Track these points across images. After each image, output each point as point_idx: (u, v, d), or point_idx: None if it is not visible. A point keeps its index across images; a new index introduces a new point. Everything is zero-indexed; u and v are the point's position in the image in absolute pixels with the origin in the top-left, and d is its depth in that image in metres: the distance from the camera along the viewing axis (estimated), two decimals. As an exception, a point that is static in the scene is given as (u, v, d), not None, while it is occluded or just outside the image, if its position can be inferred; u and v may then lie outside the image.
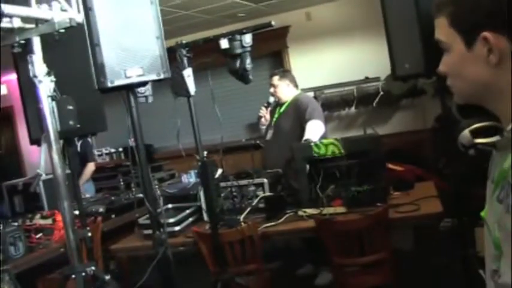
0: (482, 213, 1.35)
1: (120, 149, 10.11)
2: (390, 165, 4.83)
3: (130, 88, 3.28)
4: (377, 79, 8.57)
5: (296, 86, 5.81)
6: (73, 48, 3.76)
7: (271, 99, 5.68)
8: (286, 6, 8.71)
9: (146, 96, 3.55)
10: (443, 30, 1.29)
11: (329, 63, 9.00)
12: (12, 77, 9.66)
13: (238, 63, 3.80)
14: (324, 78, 8.89)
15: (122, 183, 7.78)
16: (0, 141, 11.44)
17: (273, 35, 8.28)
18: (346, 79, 8.77)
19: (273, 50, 9.29)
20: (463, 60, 1.26)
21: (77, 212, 4.26)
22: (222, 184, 4.71)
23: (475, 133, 1.34)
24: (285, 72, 6.01)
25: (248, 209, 4.56)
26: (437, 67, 1.36)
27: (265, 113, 5.72)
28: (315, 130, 5.23)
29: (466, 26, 1.23)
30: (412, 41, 3.52)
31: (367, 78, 8.69)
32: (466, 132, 1.34)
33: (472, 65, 1.25)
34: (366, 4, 8.18)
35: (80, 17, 3.14)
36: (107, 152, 10.25)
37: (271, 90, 5.67)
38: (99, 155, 10.21)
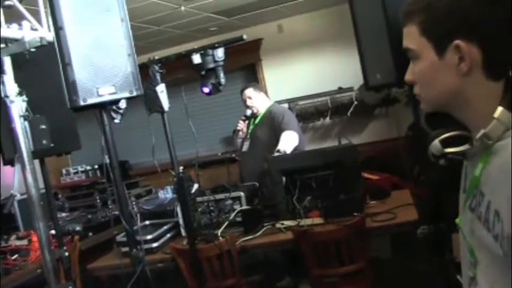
0: (457, 220, 1.37)
1: (96, 166, 10.03)
2: (366, 174, 4.86)
3: (103, 106, 3.27)
4: (350, 89, 8.62)
5: (268, 97, 5.86)
6: (44, 67, 3.74)
7: (249, 112, 5.70)
8: (258, 19, 8.73)
9: (122, 114, 3.53)
10: (413, 39, 1.29)
11: (302, 74, 9.03)
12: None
13: (212, 78, 3.81)
14: (298, 90, 8.92)
15: (98, 201, 7.70)
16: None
17: (246, 48, 8.30)
18: (320, 90, 8.80)
19: (246, 63, 9.29)
20: (434, 68, 1.27)
21: (53, 232, 4.23)
22: (199, 199, 4.70)
23: (445, 143, 1.35)
24: (256, 84, 6.06)
25: (226, 223, 4.55)
26: (408, 76, 1.37)
27: (243, 126, 5.73)
28: (288, 141, 5.24)
29: (438, 34, 1.24)
30: (382, 51, 3.54)
31: (340, 88, 8.73)
32: (435, 142, 1.35)
33: (442, 73, 1.26)
34: (337, 15, 8.24)
35: (50, 36, 3.12)
36: (83, 169, 10.16)
37: (249, 102, 5.69)
38: (75, 173, 10.13)
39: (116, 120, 3.55)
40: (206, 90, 3.94)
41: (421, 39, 1.27)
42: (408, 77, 1.35)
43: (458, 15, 1.19)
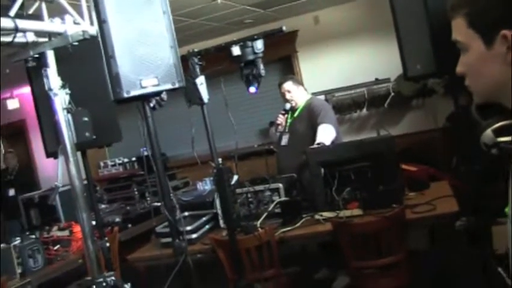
0: (507, 209, 1.36)
1: (134, 159, 10.14)
2: (404, 166, 4.82)
3: (146, 98, 3.30)
4: (387, 80, 8.56)
5: (306, 90, 5.85)
6: (86, 60, 3.80)
7: (288, 106, 5.66)
8: (293, 11, 8.72)
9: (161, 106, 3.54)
10: (461, 31, 1.29)
11: (338, 66, 9.01)
12: (24, 90, 9.76)
13: (251, 70, 3.82)
14: (334, 81, 8.90)
15: (136, 193, 7.79)
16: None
17: (282, 40, 8.30)
18: (356, 81, 8.77)
19: (282, 55, 9.27)
20: (482, 59, 1.26)
21: (94, 223, 4.29)
22: (238, 190, 4.72)
23: (497, 132, 1.34)
24: (295, 77, 6.04)
25: (264, 215, 4.57)
26: (448, 66, 1.36)
27: (282, 119, 5.71)
28: (326, 133, 5.23)
29: (485, 25, 1.23)
30: (422, 41, 3.52)
31: (377, 79, 8.68)
32: (488, 132, 1.35)
33: (491, 64, 1.25)
34: (373, 6, 8.20)
35: (93, 30, 3.17)
36: (120, 162, 10.29)
37: (288, 96, 5.67)
38: (113, 165, 10.26)
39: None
40: (253, 89, 3.94)
41: (469, 31, 1.27)
42: (459, 68, 1.34)
43: (504, 5, 1.19)
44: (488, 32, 1.23)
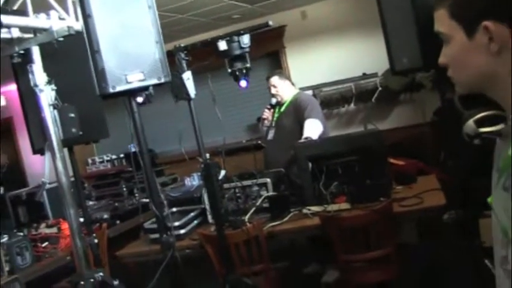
0: (489, 200, 1.36)
1: (122, 155, 10.12)
2: (392, 160, 4.84)
3: (132, 93, 3.29)
4: (375, 75, 8.58)
5: (293, 85, 5.84)
6: (72, 56, 3.78)
7: (274, 101, 5.67)
8: (281, 6, 8.71)
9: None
10: (443, 22, 1.30)
11: (326, 61, 9.01)
12: (11, 87, 9.70)
13: (237, 65, 3.82)
14: (322, 76, 8.90)
15: (124, 189, 7.78)
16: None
17: (270, 35, 8.29)
18: (344, 76, 8.78)
19: (270, 50, 9.29)
20: (464, 50, 1.27)
21: (82, 220, 4.28)
22: (226, 185, 4.72)
23: (479, 123, 1.35)
24: (282, 72, 6.05)
25: (252, 209, 4.59)
26: (435, 60, 1.37)
27: (268, 114, 5.71)
28: (313, 128, 5.24)
29: (467, 16, 1.24)
30: (409, 35, 3.53)
31: (364, 74, 8.69)
32: (470, 122, 1.35)
33: (473, 55, 1.26)
34: (360, 0, 8.21)
35: (78, 25, 3.16)
36: (108, 158, 10.26)
37: (273, 91, 5.68)
38: (101, 162, 10.23)
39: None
40: (244, 83, 3.93)
41: (451, 22, 1.28)
42: (441, 59, 1.35)
43: None
44: (470, 23, 1.24)
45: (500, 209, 1.29)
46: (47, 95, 3.16)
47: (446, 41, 1.32)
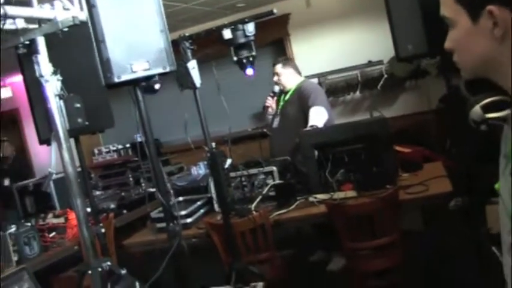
0: (497, 186, 1.36)
1: (128, 145, 10.15)
2: (397, 147, 4.83)
3: (137, 83, 3.29)
4: (380, 62, 8.54)
5: (299, 73, 5.82)
6: (77, 46, 3.78)
7: (276, 88, 5.66)
8: (285, -6, 8.69)
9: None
10: (448, 7, 1.29)
11: (331, 48, 8.98)
12: (16, 79, 9.72)
13: (243, 53, 3.82)
14: (327, 64, 8.87)
15: (131, 179, 7.79)
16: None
17: (274, 23, 8.27)
18: (349, 64, 8.75)
19: (274, 38, 9.25)
20: (469, 34, 1.27)
21: (88, 209, 4.29)
22: (232, 174, 4.74)
23: (486, 108, 1.34)
24: (288, 60, 6.02)
25: (259, 198, 4.59)
26: (440, 46, 1.36)
27: (271, 102, 5.70)
28: (318, 116, 5.23)
29: (472, 1, 1.24)
30: (413, 22, 3.53)
31: (370, 61, 8.66)
32: (476, 108, 1.34)
33: (477, 39, 1.25)
34: (365, -13, 8.19)
35: (82, 15, 3.15)
36: (114, 148, 10.29)
37: (275, 78, 5.67)
38: (107, 152, 10.25)
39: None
40: (250, 71, 3.93)
41: (456, 7, 1.27)
42: (447, 44, 1.35)
43: None
44: (474, 7, 1.23)
45: (508, 196, 1.29)
46: (52, 86, 3.16)
47: (451, 25, 1.31)
